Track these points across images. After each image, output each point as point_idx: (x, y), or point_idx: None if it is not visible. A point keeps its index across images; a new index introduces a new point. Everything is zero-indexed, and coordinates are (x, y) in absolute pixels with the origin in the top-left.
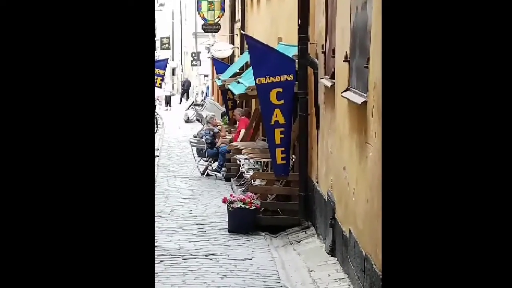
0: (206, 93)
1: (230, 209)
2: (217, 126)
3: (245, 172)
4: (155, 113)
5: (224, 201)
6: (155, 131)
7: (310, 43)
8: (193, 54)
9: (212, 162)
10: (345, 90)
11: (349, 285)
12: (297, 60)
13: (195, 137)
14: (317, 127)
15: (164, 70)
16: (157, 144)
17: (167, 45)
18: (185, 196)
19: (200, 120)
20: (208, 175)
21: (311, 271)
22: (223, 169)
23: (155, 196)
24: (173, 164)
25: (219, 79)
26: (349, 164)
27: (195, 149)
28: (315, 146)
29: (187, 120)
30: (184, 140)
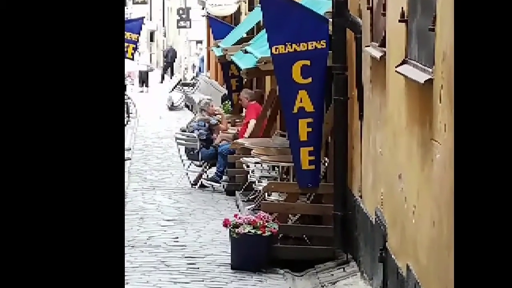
0: (200, 68)
1: (235, 235)
2: (215, 115)
3: (256, 182)
4: (126, 97)
5: (225, 225)
6: (126, 122)
7: None
8: (180, 11)
9: (208, 167)
10: (401, 63)
11: None
12: (331, 20)
13: (183, 131)
14: (361, 117)
15: (139, 34)
16: (128, 142)
17: None
18: (169, 217)
19: (190, 107)
20: (202, 186)
21: None
22: (224, 177)
23: (125, 217)
24: (152, 171)
25: (218, 47)
26: (407, 170)
27: (183, 148)
28: (358, 145)
29: (172, 107)
30: (168, 135)
